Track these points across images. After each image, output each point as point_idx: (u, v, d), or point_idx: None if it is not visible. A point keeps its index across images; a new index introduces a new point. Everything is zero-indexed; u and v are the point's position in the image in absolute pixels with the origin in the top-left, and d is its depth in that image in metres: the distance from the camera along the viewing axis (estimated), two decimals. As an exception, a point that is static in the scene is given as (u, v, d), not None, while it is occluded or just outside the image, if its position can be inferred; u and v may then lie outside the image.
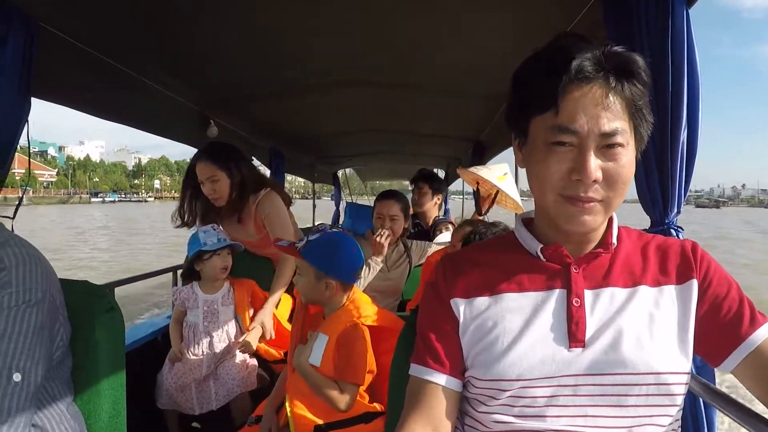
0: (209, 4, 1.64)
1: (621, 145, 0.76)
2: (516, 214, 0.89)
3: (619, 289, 0.83)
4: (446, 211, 8.17)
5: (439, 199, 3.46)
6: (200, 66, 2.25)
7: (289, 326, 2.34)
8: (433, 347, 0.87)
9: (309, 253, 1.61)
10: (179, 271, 2.67)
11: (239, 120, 3.29)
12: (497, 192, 2.67)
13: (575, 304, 0.82)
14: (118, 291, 2.22)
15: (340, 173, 8.22)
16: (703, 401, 1.16)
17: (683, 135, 1.19)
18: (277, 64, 2.33)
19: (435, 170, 9.48)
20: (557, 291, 0.84)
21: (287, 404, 1.60)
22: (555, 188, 0.78)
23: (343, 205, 8.53)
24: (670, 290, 0.83)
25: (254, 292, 2.35)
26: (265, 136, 4.01)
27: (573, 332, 0.80)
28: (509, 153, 3.87)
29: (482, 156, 4.56)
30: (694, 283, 0.83)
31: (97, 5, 1.57)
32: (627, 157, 0.77)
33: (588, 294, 0.83)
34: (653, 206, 1.26)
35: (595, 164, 0.75)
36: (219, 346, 2.20)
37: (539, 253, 0.87)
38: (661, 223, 1.27)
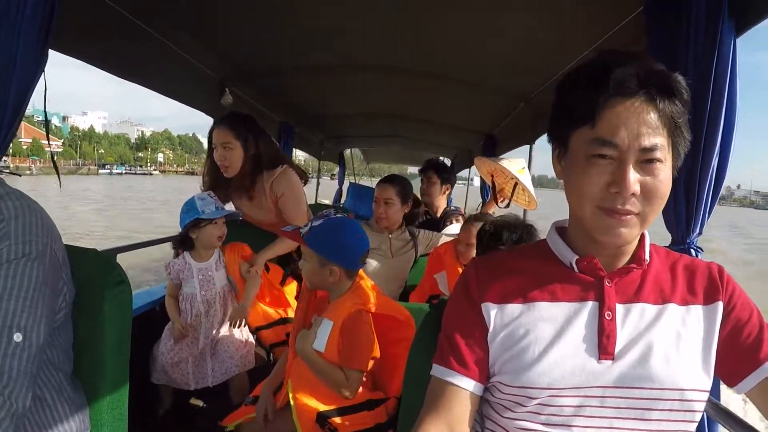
0: None
1: (659, 160, 0.77)
2: (553, 224, 0.90)
3: (649, 305, 0.85)
4: (449, 200, 8.20)
5: (447, 189, 3.46)
6: (224, 32, 2.22)
7: (281, 288, 2.38)
8: (459, 350, 0.88)
9: (312, 239, 1.60)
10: None
11: (255, 92, 3.27)
12: (515, 185, 2.68)
13: (607, 317, 0.84)
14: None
15: (346, 152, 8.20)
16: (707, 417, 1.19)
17: (714, 161, 1.20)
18: (303, 41, 2.31)
19: (441, 159, 9.56)
20: (590, 303, 0.86)
21: (289, 390, 1.60)
22: (593, 200, 0.79)
23: (346, 185, 8.53)
24: (697, 310, 0.86)
25: (244, 255, 2.31)
26: (278, 110, 3.99)
27: (604, 345, 0.82)
28: (518, 152, 3.89)
29: (493, 150, 4.56)
30: (720, 306, 0.85)
31: None
32: (664, 173, 0.79)
33: (619, 308, 0.85)
34: (676, 225, 1.28)
35: (634, 178, 0.76)
36: (217, 316, 2.19)
37: (573, 265, 0.88)
38: (682, 243, 1.29)
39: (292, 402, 1.58)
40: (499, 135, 4.42)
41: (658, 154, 0.77)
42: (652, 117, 0.77)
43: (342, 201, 8.44)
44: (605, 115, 0.77)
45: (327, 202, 8.99)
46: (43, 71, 1.38)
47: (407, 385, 1.11)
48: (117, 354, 1.15)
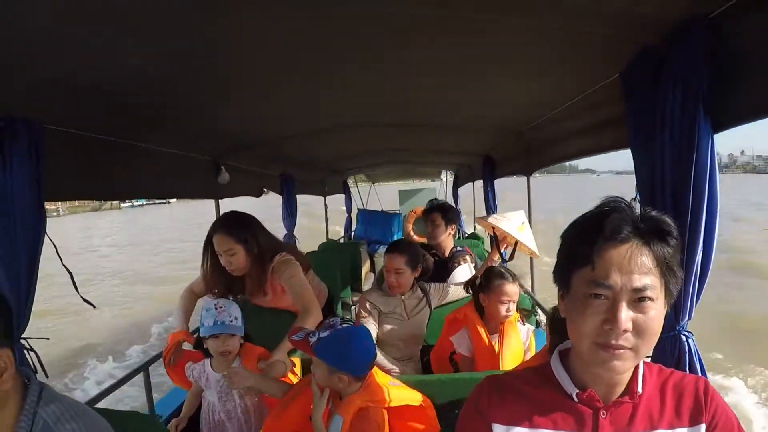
0: (215, 68, 1.62)
1: (650, 299, 0.83)
2: (557, 349, 0.94)
3: None
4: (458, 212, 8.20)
5: (452, 229, 3.45)
6: (210, 119, 2.25)
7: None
8: None
9: (320, 350, 1.63)
10: None
11: (250, 158, 3.32)
12: (517, 241, 2.68)
13: None
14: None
15: (349, 180, 8.26)
16: None
17: (699, 254, 1.20)
18: (291, 110, 2.33)
19: (445, 172, 9.58)
20: None
21: None
22: (590, 335, 0.85)
23: (354, 212, 8.59)
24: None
25: (261, 356, 2.16)
26: (275, 166, 4.04)
27: None
28: (516, 182, 3.90)
29: (492, 170, 4.60)
30: (702, 428, 0.90)
31: (97, 93, 1.56)
32: (656, 310, 0.84)
33: None
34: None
35: (626, 315, 0.82)
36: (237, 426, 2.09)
37: (574, 396, 0.94)
38: (671, 329, 1.30)
39: None
40: (496, 157, 4.46)
41: (649, 293, 0.83)
42: (644, 260, 0.83)
43: (353, 229, 8.56)
44: (601, 259, 0.84)
45: (339, 229, 9.07)
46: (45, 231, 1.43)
47: None
48: None
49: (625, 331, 0.82)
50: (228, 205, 3.19)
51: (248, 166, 3.40)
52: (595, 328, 0.84)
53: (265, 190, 3.96)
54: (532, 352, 2.42)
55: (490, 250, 3.07)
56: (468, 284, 2.50)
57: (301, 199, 6.15)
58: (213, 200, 3.07)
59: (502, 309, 2.21)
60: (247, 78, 1.75)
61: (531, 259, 3.38)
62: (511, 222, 2.58)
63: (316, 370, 1.68)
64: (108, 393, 2.00)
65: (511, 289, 2.22)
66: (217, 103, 2.00)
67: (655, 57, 1.28)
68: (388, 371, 2.48)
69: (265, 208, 4.46)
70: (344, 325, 1.66)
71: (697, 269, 1.23)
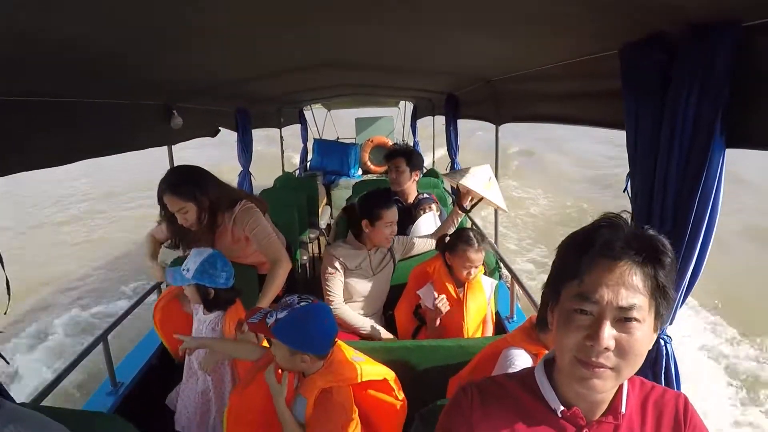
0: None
1: (637, 320, 0.80)
2: (541, 360, 0.90)
3: None
4: (415, 144, 8.04)
5: (417, 175, 3.32)
6: (160, 64, 1.96)
7: None
8: None
9: (279, 331, 1.55)
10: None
11: (202, 98, 3.02)
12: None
13: None
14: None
15: (305, 109, 7.87)
16: None
17: (690, 269, 1.16)
18: (247, 54, 2.09)
19: (404, 102, 9.26)
20: None
21: None
22: (572, 350, 0.83)
23: (311, 143, 8.27)
24: None
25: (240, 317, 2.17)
26: (229, 102, 3.73)
27: None
28: (481, 127, 3.76)
29: (456, 109, 4.44)
30: None
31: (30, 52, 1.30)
32: (641, 332, 0.81)
33: None
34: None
35: (608, 333, 0.80)
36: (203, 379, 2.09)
37: (558, 412, 0.92)
38: (652, 334, 1.28)
39: None
40: (461, 97, 4.29)
41: (635, 314, 0.80)
42: (635, 279, 0.80)
43: (309, 159, 8.27)
44: (590, 273, 0.81)
45: (294, 161, 8.75)
46: None
47: None
48: None
49: (607, 349, 0.80)
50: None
51: (200, 106, 3.10)
52: (577, 343, 0.82)
53: (219, 128, 3.67)
54: (493, 306, 2.53)
55: (452, 196, 3.01)
56: (438, 242, 2.48)
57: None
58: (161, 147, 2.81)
59: (464, 272, 2.28)
60: (201, 22, 1.49)
61: (495, 212, 3.35)
62: (477, 179, 2.49)
63: (276, 352, 1.61)
64: (71, 369, 1.90)
65: (476, 256, 2.27)
66: (168, 50, 1.72)
67: (667, 46, 1.14)
68: (355, 330, 2.47)
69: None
70: (302, 304, 1.57)
71: (685, 281, 1.19)
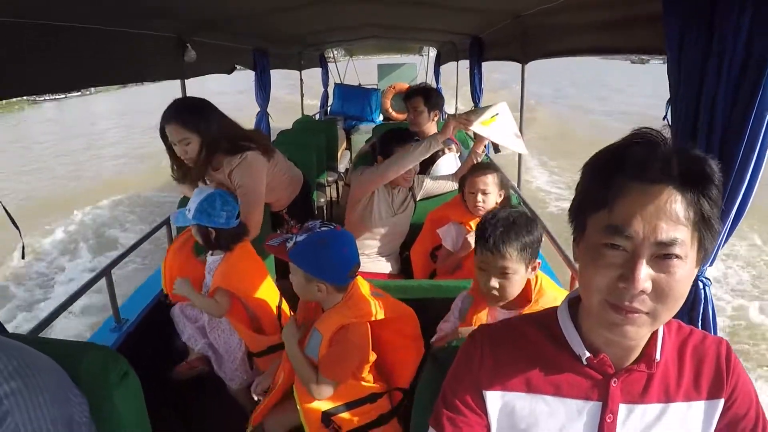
0: None
1: (678, 256, 0.67)
2: (565, 300, 0.80)
3: (652, 405, 0.81)
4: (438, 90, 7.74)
5: (436, 115, 3.16)
6: None
7: (274, 311, 2.13)
8: (456, 424, 0.85)
9: (297, 255, 1.48)
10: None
11: (218, 33, 2.87)
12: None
13: (608, 420, 0.80)
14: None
15: (327, 54, 7.60)
16: None
17: (735, 205, 1.03)
18: None
19: (427, 48, 8.85)
20: (592, 403, 0.81)
21: (295, 394, 1.59)
22: (601, 292, 0.71)
23: (331, 87, 8.03)
24: (698, 406, 0.81)
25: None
26: (246, 41, 3.55)
27: None
28: (509, 67, 3.52)
29: (480, 50, 4.21)
30: (721, 403, 0.81)
31: None
32: (683, 271, 0.68)
33: (622, 409, 0.80)
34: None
35: (645, 274, 0.67)
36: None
37: (584, 360, 0.81)
38: (690, 274, 1.16)
39: (299, 407, 1.57)
40: (486, 39, 4.04)
41: (676, 250, 0.67)
42: (676, 208, 0.66)
43: (329, 104, 8.05)
44: (621, 201, 0.68)
45: (314, 103, 8.53)
46: None
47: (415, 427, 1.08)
48: None
49: (642, 292, 0.67)
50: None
51: (217, 41, 2.94)
52: (608, 285, 0.70)
53: (237, 66, 3.52)
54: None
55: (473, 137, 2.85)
56: (459, 183, 2.33)
57: (284, 72, 5.64)
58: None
59: (472, 200, 2.11)
60: None
61: (519, 156, 3.18)
62: (479, 115, 2.27)
63: (293, 279, 1.54)
64: (71, 302, 1.86)
65: (481, 179, 2.10)
66: None
67: None
68: None
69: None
70: (323, 229, 1.48)
71: (730, 219, 1.06)
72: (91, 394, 1.02)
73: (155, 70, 2.40)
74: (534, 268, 1.41)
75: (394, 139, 2.42)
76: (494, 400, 0.83)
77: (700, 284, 1.16)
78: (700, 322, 1.16)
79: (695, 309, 1.16)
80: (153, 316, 2.22)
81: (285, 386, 1.67)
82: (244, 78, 4.31)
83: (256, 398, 1.64)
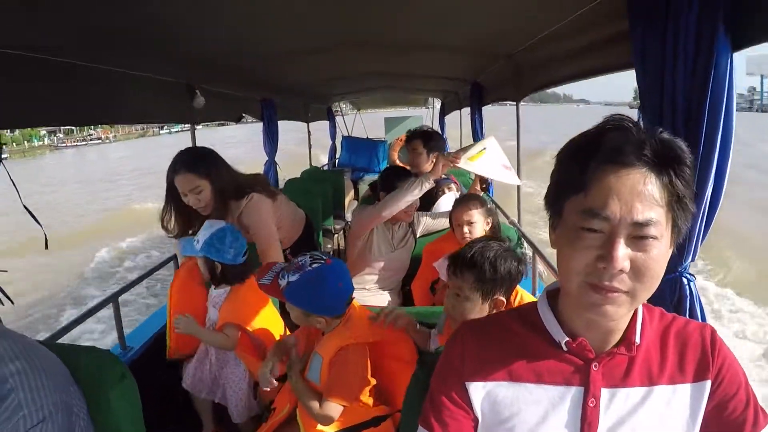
0: None
1: (654, 237, 0.69)
2: (544, 290, 0.80)
3: (635, 389, 0.80)
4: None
5: (434, 157, 3.25)
6: (184, 39, 1.97)
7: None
8: (443, 420, 0.85)
9: (292, 296, 1.50)
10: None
11: (227, 82, 3.03)
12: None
13: (590, 404, 0.79)
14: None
15: (334, 107, 7.89)
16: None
17: (709, 190, 1.04)
18: (271, 29, 2.06)
19: (432, 99, 9.17)
20: (574, 389, 0.80)
21: (299, 419, 1.56)
22: (581, 273, 0.72)
23: (339, 140, 8.28)
24: (684, 389, 0.80)
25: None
26: (255, 90, 3.73)
27: None
28: (504, 111, 3.64)
29: (480, 96, 4.36)
30: (708, 384, 0.79)
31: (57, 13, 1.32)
32: (659, 250, 0.70)
33: (605, 393, 0.79)
34: (667, 253, 1.14)
35: (623, 253, 0.68)
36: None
37: (563, 345, 0.81)
38: (673, 270, 1.16)
39: (300, 423, 1.55)
40: (484, 83, 4.20)
41: (652, 231, 0.68)
42: (650, 189, 0.68)
43: (337, 156, 8.27)
44: (597, 184, 0.69)
45: (323, 159, 8.76)
46: None
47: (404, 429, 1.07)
48: None
49: (621, 271, 0.69)
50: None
51: (226, 89, 3.11)
52: (587, 266, 0.71)
53: (244, 116, 3.68)
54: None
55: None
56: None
57: (294, 125, 5.84)
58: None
59: (460, 232, 2.13)
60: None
61: (518, 189, 3.22)
62: (467, 151, 2.33)
63: (291, 312, 1.56)
64: (76, 324, 1.87)
65: (465, 211, 2.13)
66: (191, 23, 1.73)
67: None
68: None
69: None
70: (314, 266, 1.49)
71: (705, 205, 1.08)
72: (89, 395, 1.04)
73: (165, 113, 2.52)
74: (496, 305, 1.42)
75: (393, 174, 2.51)
76: (477, 391, 0.83)
77: (685, 280, 1.16)
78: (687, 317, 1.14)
79: (681, 305, 1.15)
80: (160, 344, 2.23)
81: (289, 411, 1.65)
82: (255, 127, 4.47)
83: (273, 382, 1.59)
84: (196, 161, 2.07)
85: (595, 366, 0.79)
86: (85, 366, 1.06)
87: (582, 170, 0.70)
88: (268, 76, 3.33)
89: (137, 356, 2.13)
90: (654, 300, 1.19)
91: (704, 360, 0.80)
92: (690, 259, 1.14)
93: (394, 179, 2.46)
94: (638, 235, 0.68)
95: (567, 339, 0.80)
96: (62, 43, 1.60)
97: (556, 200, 0.77)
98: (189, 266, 2.11)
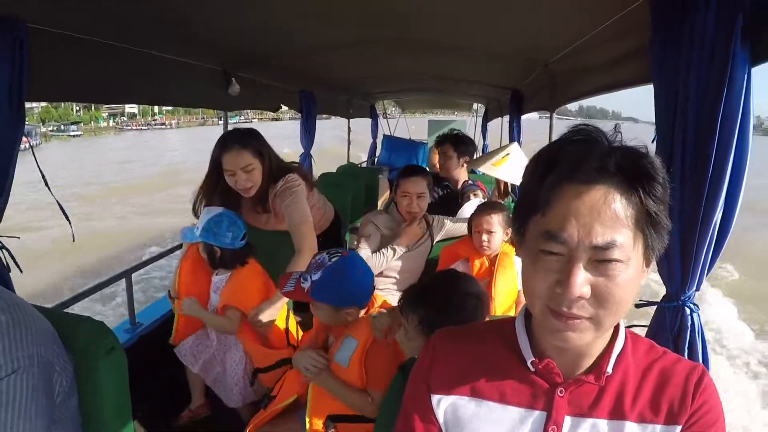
0: None
1: (618, 260, 0.63)
2: (523, 308, 0.76)
3: (602, 421, 0.73)
4: (484, 147, 7.78)
5: (464, 161, 3.19)
6: (222, 25, 2.00)
7: (282, 326, 2.09)
8: (411, 427, 0.82)
9: (318, 293, 1.49)
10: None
11: (264, 72, 3.04)
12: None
13: (551, 431, 0.73)
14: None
15: (378, 107, 7.88)
16: None
17: (718, 215, 0.95)
18: (310, 23, 2.06)
19: (477, 106, 9.03)
20: (536, 413, 0.75)
21: (309, 389, 1.54)
22: (541, 297, 0.67)
23: (380, 138, 8.27)
24: (653, 430, 0.72)
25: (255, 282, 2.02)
26: (293, 82, 3.73)
27: None
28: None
29: (520, 104, 4.28)
30: (677, 430, 0.71)
31: None
32: (625, 275, 0.63)
33: (567, 421, 0.74)
34: (669, 279, 1.06)
35: (582, 279, 0.63)
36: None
37: (529, 365, 0.76)
38: (675, 298, 1.07)
39: (309, 393, 1.53)
40: (524, 91, 4.10)
41: (616, 254, 0.62)
42: (614, 208, 0.62)
43: (377, 155, 8.26)
44: (555, 204, 0.64)
45: (363, 156, 8.78)
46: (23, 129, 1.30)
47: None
48: (118, 421, 1.13)
49: (581, 297, 0.63)
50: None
51: (263, 79, 3.13)
52: (548, 289, 0.66)
53: (282, 106, 3.71)
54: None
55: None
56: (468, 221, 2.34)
57: (335, 122, 5.86)
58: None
59: (478, 239, 2.11)
60: None
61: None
62: (492, 157, 2.31)
63: (319, 313, 1.55)
64: (87, 294, 1.92)
65: (484, 218, 2.09)
66: (229, 10, 1.76)
67: None
68: None
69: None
70: (333, 260, 1.50)
71: (713, 231, 0.98)
72: (78, 361, 1.06)
73: (202, 98, 2.56)
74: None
75: (401, 172, 2.46)
76: (440, 404, 0.80)
77: (687, 310, 1.06)
78: (686, 350, 1.05)
79: (681, 336, 1.06)
80: (166, 325, 2.28)
81: (291, 399, 1.63)
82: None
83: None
84: (249, 139, 2.04)
85: (561, 392, 0.74)
86: (78, 335, 1.09)
87: (539, 188, 0.65)
88: (306, 68, 3.32)
89: (145, 333, 2.18)
90: (653, 329, 1.11)
91: (683, 402, 0.72)
92: (695, 288, 1.04)
93: (398, 176, 2.44)
94: (600, 259, 0.63)
95: (533, 359, 0.75)
96: (120, 30, 1.68)
97: (517, 217, 0.72)
98: (194, 251, 2.11)
